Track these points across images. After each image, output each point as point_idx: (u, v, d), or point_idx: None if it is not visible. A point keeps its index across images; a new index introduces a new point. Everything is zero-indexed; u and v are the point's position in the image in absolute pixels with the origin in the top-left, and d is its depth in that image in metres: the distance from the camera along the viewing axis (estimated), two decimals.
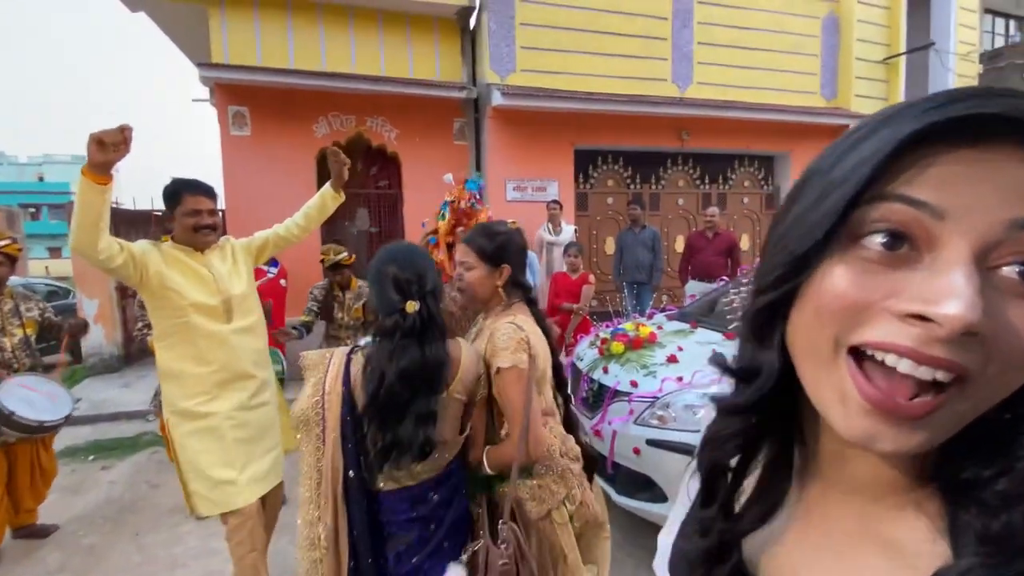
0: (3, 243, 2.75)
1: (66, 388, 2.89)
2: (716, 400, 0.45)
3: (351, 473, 1.22)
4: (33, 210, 30.03)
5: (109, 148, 1.57)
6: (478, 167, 6.52)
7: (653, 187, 7.02)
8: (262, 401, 2.08)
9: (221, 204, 6.00)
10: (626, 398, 2.67)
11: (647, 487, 2.52)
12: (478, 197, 5.13)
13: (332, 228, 6.43)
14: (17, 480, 2.79)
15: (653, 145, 6.80)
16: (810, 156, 0.39)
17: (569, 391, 3.28)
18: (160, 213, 7.18)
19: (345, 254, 3.56)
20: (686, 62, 6.68)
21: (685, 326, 3.28)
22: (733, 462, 0.44)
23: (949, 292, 0.29)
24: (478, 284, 1.48)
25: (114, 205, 8.04)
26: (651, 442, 2.48)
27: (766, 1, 6.94)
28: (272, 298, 4.04)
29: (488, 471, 1.38)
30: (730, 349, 0.45)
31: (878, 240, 0.32)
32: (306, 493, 1.24)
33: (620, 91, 6.36)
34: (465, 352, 1.34)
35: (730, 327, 3.14)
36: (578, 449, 1.54)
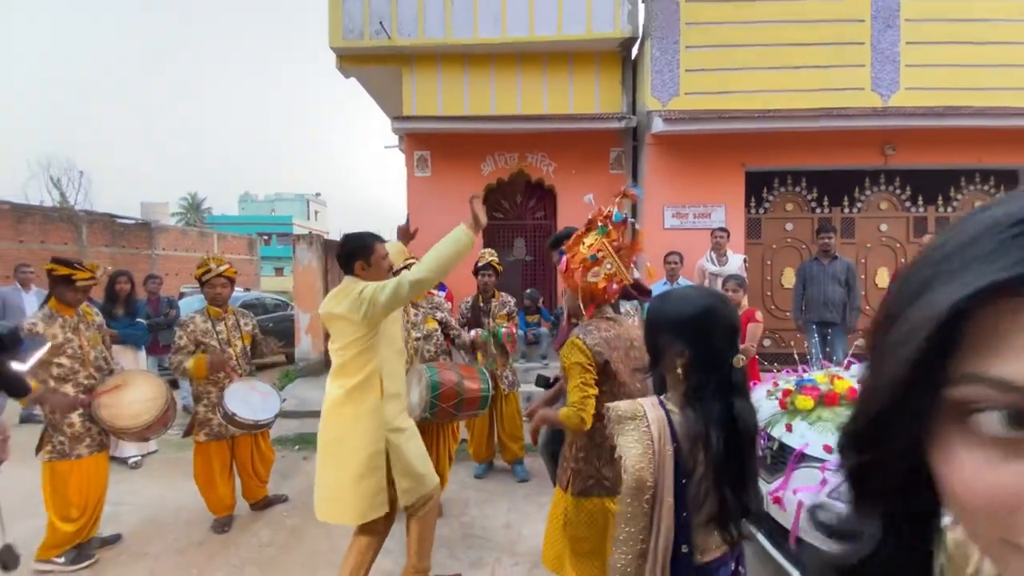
0: (223, 268, 3.27)
1: (276, 389, 3.40)
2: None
3: (684, 548, 1.16)
4: (266, 237, 37.78)
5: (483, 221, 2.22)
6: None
7: (846, 210, 6.09)
8: None
9: None
10: (817, 464, 2.28)
11: None
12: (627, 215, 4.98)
13: None
14: (241, 464, 3.40)
15: (846, 163, 5.93)
16: None
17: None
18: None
19: (496, 258, 3.91)
20: (891, 66, 5.73)
21: None
22: None
23: None
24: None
25: (325, 234, 9.88)
26: None
27: None
28: None
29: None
30: None
31: (996, 421, 0.27)
32: (623, 559, 1.18)
33: (803, 106, 5.70)
34: None
35: None
36: None
